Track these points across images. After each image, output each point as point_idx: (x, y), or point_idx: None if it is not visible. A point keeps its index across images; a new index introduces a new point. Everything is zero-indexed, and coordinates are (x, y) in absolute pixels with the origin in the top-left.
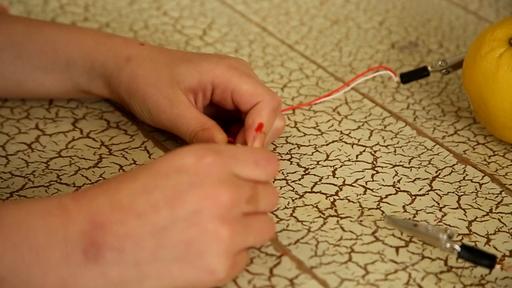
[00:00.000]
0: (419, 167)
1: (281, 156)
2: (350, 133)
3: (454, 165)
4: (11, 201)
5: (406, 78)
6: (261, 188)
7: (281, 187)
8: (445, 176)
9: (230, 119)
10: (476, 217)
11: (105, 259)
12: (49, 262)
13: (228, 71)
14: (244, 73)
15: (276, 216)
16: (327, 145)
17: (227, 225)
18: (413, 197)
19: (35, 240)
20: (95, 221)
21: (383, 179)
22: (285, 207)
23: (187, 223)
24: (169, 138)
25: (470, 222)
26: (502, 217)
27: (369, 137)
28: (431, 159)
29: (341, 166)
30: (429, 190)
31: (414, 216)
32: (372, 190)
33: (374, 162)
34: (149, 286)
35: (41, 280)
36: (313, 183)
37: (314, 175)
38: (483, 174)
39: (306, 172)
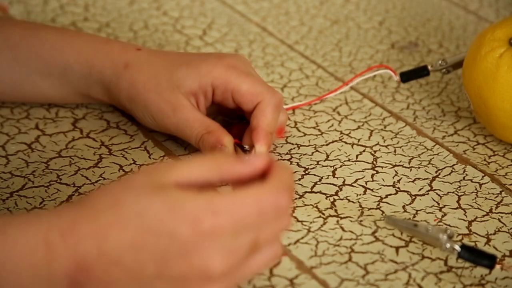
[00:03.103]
0: (419, 167)
1: (281, 156)
2: (350, 133)
3: (454, 165)
4: None
5: (406, 77)
6: (265, 232)
7: None
8: (445, 176)
9: (232, 116)
10: (476, 217)
11: None
12: None
13: (226, 71)
14: (243, 72)
15: None
16: (327, 145)
17: (215, 286)
18: (413, 197)
19: (19, 277)
20: (80, 265)
21: (383, 179)
22: None
23: (172, 284)
24: (169, 138)
25: (470, 222)
26: (502, 217)
27: (369, 137)
28: (431, 159)
29: (341, 166)
30: (429, 190)
31: (414, 216)
32: (372, 190)
33: (374, 162)
34: None
35: None
36: (313, 183)
37: (314, 175)
38: (483, 174)
39: (306, 172)
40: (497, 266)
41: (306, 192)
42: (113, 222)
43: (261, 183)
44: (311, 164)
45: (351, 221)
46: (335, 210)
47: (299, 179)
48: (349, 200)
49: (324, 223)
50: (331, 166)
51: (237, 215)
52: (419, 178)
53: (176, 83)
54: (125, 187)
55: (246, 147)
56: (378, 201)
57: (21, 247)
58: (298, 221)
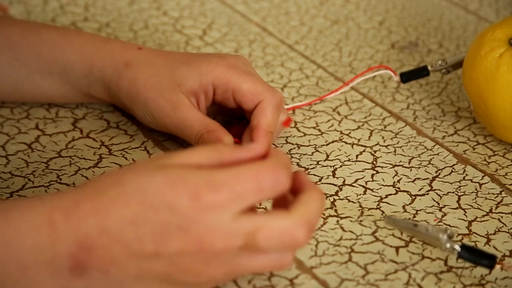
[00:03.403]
0: (419, 167)
1: None
2: (350, 133)
3: (454, 165)
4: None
5: (406, 77)
6: (264, 230)
7: None
8: (445, 176)
9: (232, 116)
10: (476, 217)
11: (90, 276)
12: (36, 277)
13: (227, 71)
14: (243, 71)
15: None
16: (327, 145)
17: (210, 268)
18: (413, 197)
19: (22, 258)
20: (82, 244)
21: (383, 179)
22: None
23: (170, 261)
24: (169, 138)
25: (470, 222)
26: (502, 217)
27: (369, 137)
28: (431, 159)
29: (341, 166)
30: (429, 190)
31: (414, 216)
32: (372, 190)
33: (374, 162)
34: None
35: None
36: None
37: (314, 175)
38: (483, 174)
39: (306, 172)
40: (497, 266)
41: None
42: (115, 198)
43: (259, 161)
44: (311, 164)
45: (351, 221)
46: (335, 210)
47: None
48: (349, 200)
49: (324, 223)
50: (331, 166)
51: (237, 189)
52: (419, 178)
53: (177, 82)
54: (128, 169)
55: None
56: (378, 201)
57: (24, 228)
58: None
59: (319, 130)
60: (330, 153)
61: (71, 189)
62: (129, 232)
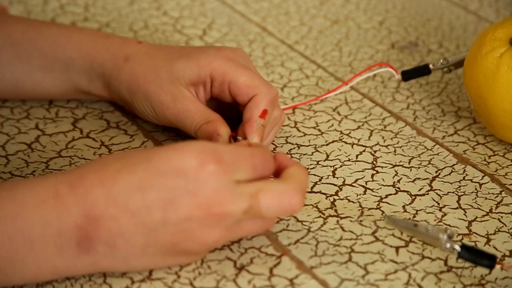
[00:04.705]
0: (419, 167)
1: None
2: (350, 133)
3: (454, 165)
4: (4, 185)
5: (407, 75)
6: (265, 192)
7: None
8: (445, 176)
9: (232, 116)
10: (476, 217)
11: (96, 251)
12: (43, 253)
13: (225, 63)
14: (241, 65)
15: None
16: (327, 145)
17: (214, 234)
18: (413, 197)
19: (30, 233)
20: (89, 214)
21: (383, 179)
22: None
23: (177, 228)
24: (169, 138)
25: (470, 222)
26: (502, 217)
27: (369, 137)
28: (431, 159)
29: (341, 166)
30: (429, 190)
31: (414, 216)
32: (372, 190)
33: (374, 162)
34: (135, 271)
35: (36, 269)
36: (313, 183)
37: (314, 175)
38: (483, 174)
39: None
40: (497, 266)
41: (306, 192)
42: (120, 169)
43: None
44: (311, 164)
45: (351, 221)
46: (335, 210)
47: None
48: (349, 200)
49: (324, 223)
50: (331, 166)
51: (237, 161)
52: (419, 178)
53: (175, 75)
54: (130, 149)
55: (239, 138)
56: (378, 201)
57: (30, 201)
58: (298, 221)
59: (319, 130)
60: (330, 153)
61: (75, 167)
62: (136, 199)
